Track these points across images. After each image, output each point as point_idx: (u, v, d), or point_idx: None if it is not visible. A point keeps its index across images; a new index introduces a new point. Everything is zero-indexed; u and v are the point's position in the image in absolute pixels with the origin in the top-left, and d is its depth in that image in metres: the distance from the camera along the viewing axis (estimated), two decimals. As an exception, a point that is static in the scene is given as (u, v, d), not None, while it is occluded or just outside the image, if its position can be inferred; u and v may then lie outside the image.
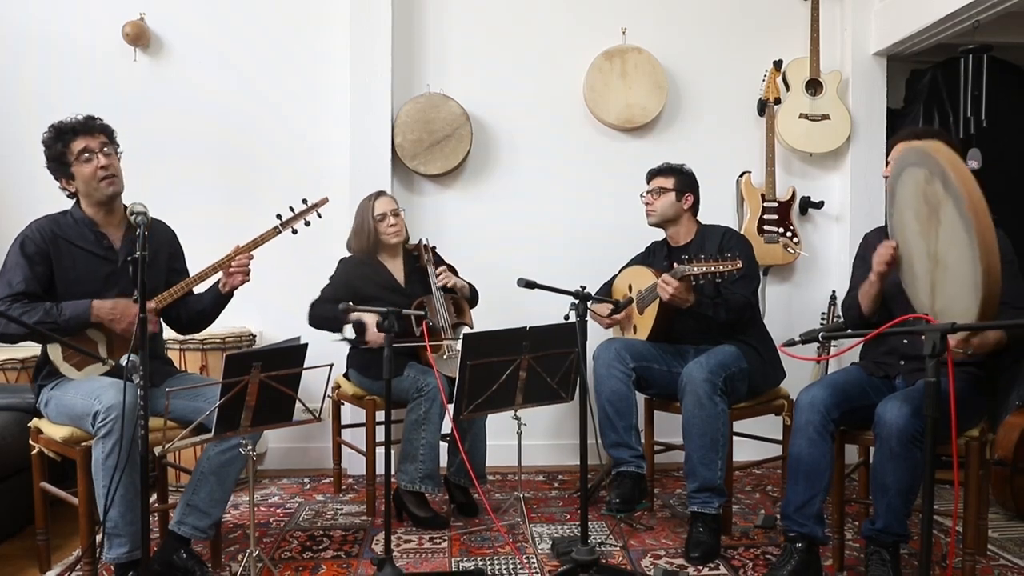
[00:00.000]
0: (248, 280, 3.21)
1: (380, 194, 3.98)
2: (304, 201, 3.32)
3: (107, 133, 3.06)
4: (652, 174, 3.90)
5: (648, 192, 3.87)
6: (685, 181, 3.83)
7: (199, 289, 3.23)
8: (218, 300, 3.26)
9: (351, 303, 3.15)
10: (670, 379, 3.69)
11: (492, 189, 4.82)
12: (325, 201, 3.38)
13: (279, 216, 3.26)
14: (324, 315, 3.78)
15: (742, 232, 4.51)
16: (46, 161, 3.03)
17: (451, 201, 4.79)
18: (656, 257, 3.96)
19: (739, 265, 3.23)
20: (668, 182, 3.81)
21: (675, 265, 3.45)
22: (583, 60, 4.73)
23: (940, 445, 2.28)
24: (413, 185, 4.74)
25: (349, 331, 3.80)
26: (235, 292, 3.26)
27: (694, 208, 3.87)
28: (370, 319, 3.69)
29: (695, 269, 3.30)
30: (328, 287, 3.89)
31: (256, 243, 3.20)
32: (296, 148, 4.73)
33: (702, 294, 3.53)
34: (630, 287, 3.91)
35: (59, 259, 3.00)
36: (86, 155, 2.98)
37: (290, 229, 3.27)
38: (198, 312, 3.30)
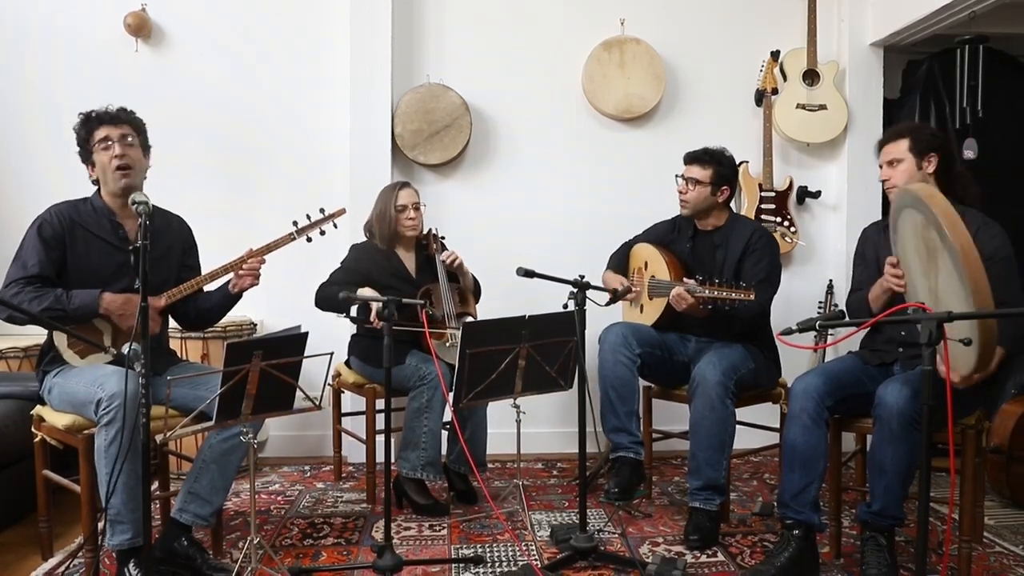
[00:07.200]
0: (257, 283, 3.22)
1: (405, 184, 4.01)
2: (321, 211, 3.33)
3: (135, 125, 3.09)
4: (690, 159, 3.74)
5: (684, 179, 3.73)
6: (723, 173, 3.69)
7: (208, 287, 3.24)
8: (226, 300, 3.27)
9: (365, 289, 3.14)
10: (671, 366, 3.72)
11: (491, 179, 4.83)
12: (342, 212, 3.40)
13: (295, 223, 3.26)
14: (328, 296, 3.76)
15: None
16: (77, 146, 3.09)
17: (451, 191, 4.81)
18: (681, 235, 3.86)
19: (752, 297, 3.18)
20: (705, 174, 3.66)
21: (687, 280, 3.41)
22: (582, 51, 4.73)
23: (937, 432, 2.30)
24: (413, 175, 4.74)
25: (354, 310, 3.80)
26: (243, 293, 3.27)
27: (729, 199, 3.78)
28: (373, 304, 3.66)
29: (707, 292, 3.26)
30: (338, 271, 3.91)
31: (269, 248, 3.20)
32: (297, 138, 4.74)
33: (715, 308, 3.42)
34: (646, 264, 3.88)
35: (74, 245, 3.02)
36: (105, 144, 3.01)
37: (304, 237, 3.28)
38: (206, 310, 3.32)
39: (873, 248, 3.30)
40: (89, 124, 3.03)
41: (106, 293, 2.95)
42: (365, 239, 4.05)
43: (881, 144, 3.22)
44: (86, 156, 3.07)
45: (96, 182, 3.12)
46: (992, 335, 2.34)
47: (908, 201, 2.65)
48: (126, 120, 3.07)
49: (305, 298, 3.85)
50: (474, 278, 4.13)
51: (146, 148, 3.15)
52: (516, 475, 3.94)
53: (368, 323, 3.70)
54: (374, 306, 3.62)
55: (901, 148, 3.10)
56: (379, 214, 3.96)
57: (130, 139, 3.04)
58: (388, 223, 3.92)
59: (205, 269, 3.25)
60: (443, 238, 4.09)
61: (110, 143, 3.01)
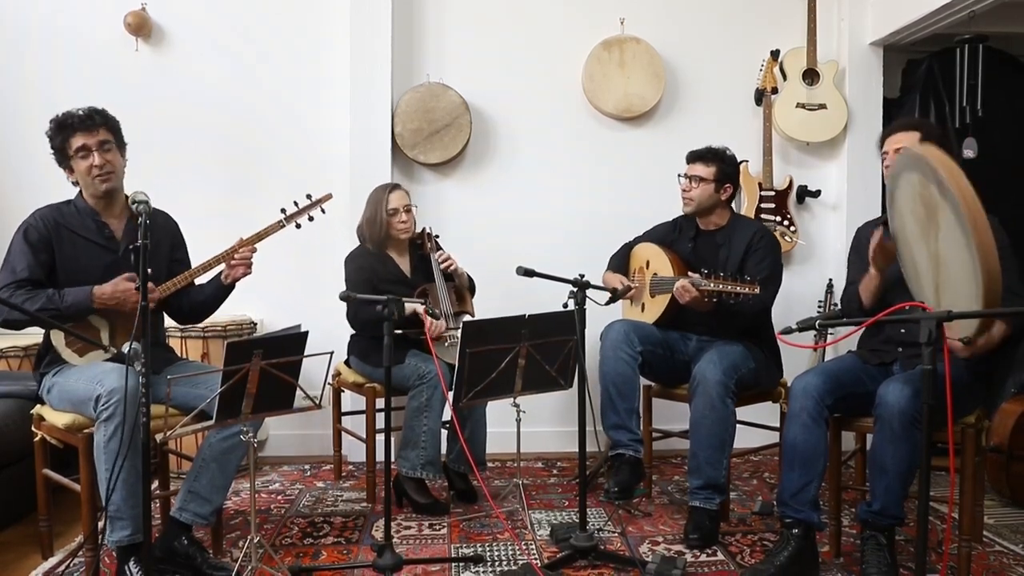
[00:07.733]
0: (250, 273, 3.22)
1: (395, 187, 3.98)
2: (308, 196, 3.31)
3: (109, 127, 3.06)
4: (693, 157, 3.75)
5: (687, 178, 3.74)
6: (726, 171, 3.71)
7: (201, 280, 3.24)
8: (219, 291, 3.27)
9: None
10: (673, 364, 3.72)
11: (491, 178, 4.83)
12: (329, 197, 3.38)
13: (283, 210, 3.25)
14: (357, 312, 3.77)
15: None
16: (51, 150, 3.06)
17: (450, 190, 4.81)
18: (683, 235, 3.87)
19: (756, 291, 3.19)
20: (709, 171, 3.68)
21: (691, 273, 3.41)
22: (582, 50, 4.74)
23: (936, 431, 2.29)
24: (413, 174, 4.75)
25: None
26: (236, 284, 3.27)
27: (731, 197, 3.78)
28: (421, 310, 3.67)
29: (711, 285, 3.27)
30: (352, 288, 3.83)
31: (259, 236, 3.20)
32: (297, 137, 4.74)
33: (720, 302, 3.45)
34: (647, 263, 3.88)
35: (61, 247, 3.02)
36: (82, 153, 3.00)
37: (294, 223, 3.27)
38: (200, 302, 3.31)
39: (868, 245, 3.30)
40: (64, 132, 3.00)
41: (96, 287, 2.95)
42: (358, 243, 4.03)
43: (889, 132, 3.20)
44: (64, 162, 3.05)
45: (76, 183, 3.12)
46: (996, 287, 2.29)
47: (905, 162, 2.62)
48: (100, 123, 3.03)
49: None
50: (468, 275, 4.12)
51: (122, 147, 3.13)
52: (516, 474, 3.93)
53: (421, 334, 3.69)
54: (426, 316, 3.66)
55: (912, 140, 3.08)
56: (369, 218, 3.93)
57: (107, 144, 3.03)
58: (379, 227, 3.90)
59: None
60: (437, 236, 4.09)
61: (87, 152, 3.00)
